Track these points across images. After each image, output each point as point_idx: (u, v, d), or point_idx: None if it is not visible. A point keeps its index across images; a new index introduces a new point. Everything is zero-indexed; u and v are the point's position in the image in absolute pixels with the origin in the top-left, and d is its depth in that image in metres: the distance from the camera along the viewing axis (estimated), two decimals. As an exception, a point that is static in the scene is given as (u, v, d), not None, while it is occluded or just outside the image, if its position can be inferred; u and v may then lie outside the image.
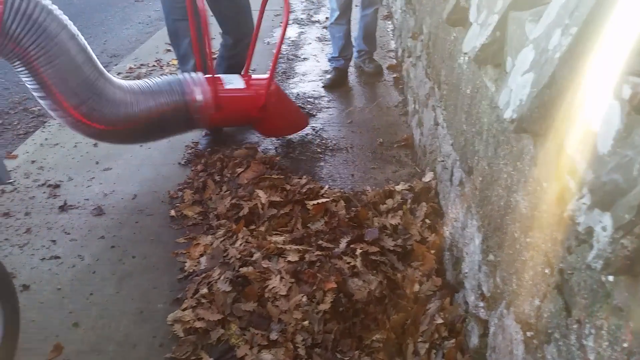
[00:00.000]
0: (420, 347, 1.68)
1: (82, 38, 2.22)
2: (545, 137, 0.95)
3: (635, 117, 0.66)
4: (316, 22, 5.56)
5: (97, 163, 2.96)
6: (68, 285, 2.11)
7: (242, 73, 2.95)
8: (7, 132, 3.61)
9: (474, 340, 1.54)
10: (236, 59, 3.13)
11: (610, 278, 0.70)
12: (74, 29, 2.18)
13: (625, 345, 0.65)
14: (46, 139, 3.27)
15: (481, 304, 1.47)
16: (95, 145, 3.15)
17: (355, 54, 4.06)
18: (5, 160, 3.04)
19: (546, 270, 0.95)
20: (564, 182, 0.86)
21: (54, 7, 2.10)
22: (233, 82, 2.77)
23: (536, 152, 1.04)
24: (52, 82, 2.12)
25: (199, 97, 2.58)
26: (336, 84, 3.86)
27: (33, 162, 3.00)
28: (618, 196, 0.65)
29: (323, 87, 3.83)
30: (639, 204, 0.60)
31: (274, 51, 2.77)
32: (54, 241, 2.36)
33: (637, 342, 0.64)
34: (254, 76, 2.91)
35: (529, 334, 1.07)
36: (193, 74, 2.67)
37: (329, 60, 4.01)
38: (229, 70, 3.08)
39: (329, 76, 3.92)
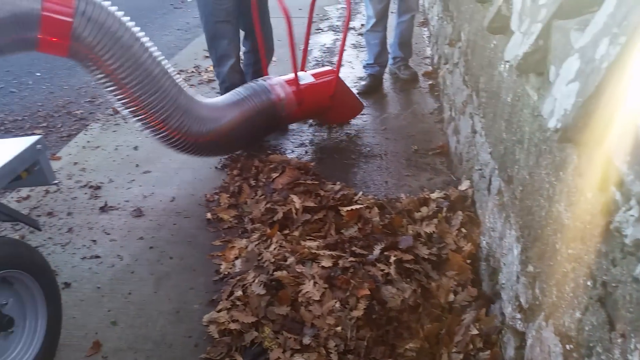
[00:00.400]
0: (454, 358, 1.66)
1: (156, 51, 2.27)
2: (590, 147, 0.94)
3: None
4: (351, 29, 5.58)
5: (137, 166, 3.04)
6: (107, 284, 2.17)
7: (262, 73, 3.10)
8: (52, 134, 3.74)
9: (510, 352, 1.51)
10: (258, 65, 3.25)
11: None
12: (146, 41, 2.23)
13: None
14: (88, 141, 3.38)
15: (518, 316, 1.45)
16: (135, 148, 3.24)
17: (390, 61, 4.07)
18: (49, 162, 3.15)
19: (588, 283, 0.93)
20: (610, 193, 0.84)
21: (127, 19, 2.16)
22: (304, 78, 2.97)
23: (580, 162, 1.03)
24: (135, 93, 2.19)
25: (282, 94, 2.79)
26: (371, 90, 3.87)
27: (75, 163, 3.11)
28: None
29: (358, 93, 3.81)
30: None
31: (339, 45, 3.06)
32: (94, 241, 2.43)
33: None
34: (312, 71, 3.12)
35: (568, 347, 1.04)
36: (267, 78, 2.87)
37: (364, 67, 4.04)
38: (256, 76, 3.17)
39: (363, 83, 3.94)
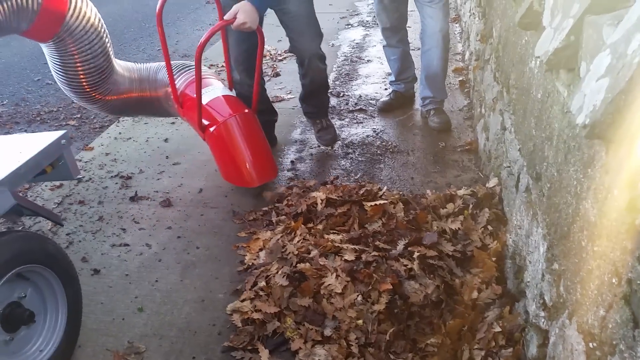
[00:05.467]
0: (476, 354, 1.65)
1: (109, 40, 2.54)
2: (619, 144, 0.92)
3: None
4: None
5: (167, 157, 3.10)
6: (135, 271, 2.23)
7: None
8: (85, 125, 3.85)
9: (533, 350, 1.49)
10: (306, 79, 2.92)
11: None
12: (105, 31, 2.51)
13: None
14: (120, 133, 3.46)
15: (542, 314, 1.43)
16: (165, 140, 3.31)
17: (419, 101, 3.38)
18: (82, 152, 3.25)
19: (613, 280, 0.91)
20: (637, 190, 0.83)
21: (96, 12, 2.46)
22: (209, 92, 2.71)
23: (608, 159, 1.00)
24: (80, 69, 2.47)
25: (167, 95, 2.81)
26: (392, 108, 3.48)
27: (107, 154, 3.19)
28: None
29: (378, 108, 3.52)
30: None
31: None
32: (124, 229, 2.49)
33: None
34: (229, 100, 2.71)
35: (591, 345, 1.03)
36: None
37: (390, 82, 3.61)
38: (304, 89, 3.00)
39: (384, 99, 3.56)
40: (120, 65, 2.71)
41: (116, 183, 2.88)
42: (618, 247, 0.90)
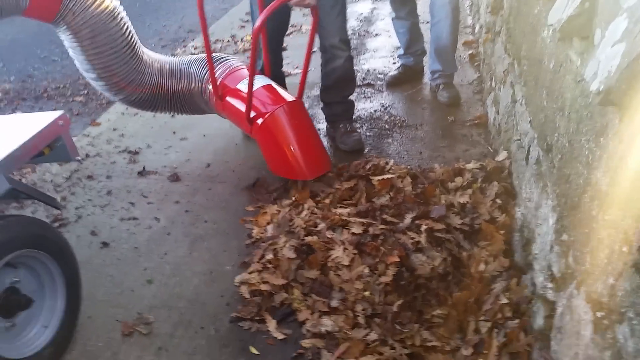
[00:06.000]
0: (482, 326, 1.66)
1: (128, 24, 2.40)
2: (634, 110, 0.90)
3: None
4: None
5: (174, 133, 3.10)
6: (144, 244, 2.24)
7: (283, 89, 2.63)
8: (92, 102, 3.85)
9: (539, 322, 1.49)
10: (327, 67, 2.74)
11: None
12: (124, 17, 2.37)
13: None
14: (127, 108, 3.42)
15: (549, 285, 1.42)
16: (172, 115, 3.29)
17: (428, 74, 3.34)
18: (89, 127, 3.25)
19: (624, 248, 0.90)
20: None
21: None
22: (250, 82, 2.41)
23: (622, 127, 0.98)
24: (97, 52, 2.34)
25: (209, 89, 2.64)
26: (400, 82, 3.42)
27: (115, 129, 3.19)
28: None
29: (386, 83, 3.46)
30: None
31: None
32: (132, 203, 2.51)
33: None
34: (279, 90, 2.55)
35: (599, 314, 1.02)
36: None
37: (398, 55, 3.55)
38: (325, 81, 2.80)
39: (393, 73, 3.50)
40: (149, 56, 2.57)
41: (124, 158, 2.88)
42: (630, 215, 0.89)
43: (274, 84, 2.58)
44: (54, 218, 2.41)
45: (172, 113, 2.88)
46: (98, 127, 3.21)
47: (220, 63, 2.67)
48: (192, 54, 4.33)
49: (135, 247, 2.23)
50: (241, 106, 2.48)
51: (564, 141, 1.36)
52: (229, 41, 4.50)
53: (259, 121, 2.41)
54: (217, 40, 4.53)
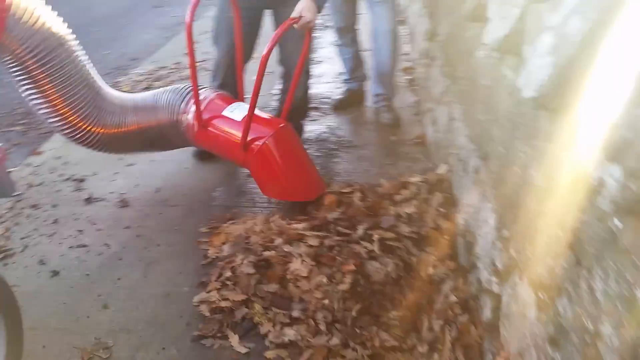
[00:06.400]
0: (434, 324, 1.76)
1: (82, 55, 2.28)
2: (562, 112, 1.04)
3: None
4: (330, 26, 5.68)
5: (120, 159, 3.06)
6: (96, 271, 2.20)
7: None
8: (31, 131, 3.73)
9: (487, 314, 1.61)
10: (286, 95, 2.71)
11: (618, 223, 0.78)
12: (74, 44, 2.24)
13: (629, 278, 0.74)
14: (70, 136, 3.38)
15: (494, 279, 1.55)
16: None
17: (371, 98, 3.51)
18: (31, 157, 3.16)
19: (559, 233, 1.03)
20: (578, 147, 0.95)
21: (57, 20, 2.17)
22: (236, 109, 2.46)
23: (552, 128, 1.13)
24: (53, 95, 2.19)
25: (190, 121, 2.51)
26: (346, 106, 3.57)
27: (58, 158, 3.12)
28: (626, 149, 0.74)
29: (332, 109, 3.56)
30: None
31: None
32: (80, 231, 2.46)
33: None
34: (266, 116, 2.53)
35: (541, 295, 1.15)
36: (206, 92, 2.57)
37: (343, 81, 3.71)
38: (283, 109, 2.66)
39: (339, 97, 3.64)
40: (111, 93, 2.45)
41: (69, 186, 2.82)
42: (563, 203, 1.02)
43: (258, 111, 2.46)
44: (-2, 249, 2.33)
45: (136, 153, 2.74)
46: (40, 156, 3.13)
47: (189, 93, 2.55)
48: (136, 81, 4.33)
49: (87, 274, 2.19)
50: (229, 133, 2.42)
51: (500, 148, 1.51)
52: (173, 68, 4.52)
53: (256, 145, 2.34)
54: (160, 67, 4.54)
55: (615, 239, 0.79)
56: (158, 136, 2.58)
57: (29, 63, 2.11)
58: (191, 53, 2.36)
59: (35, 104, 2.26)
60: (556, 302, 1.04)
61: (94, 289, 2.10)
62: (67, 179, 2.88)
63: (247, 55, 2.77)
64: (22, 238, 2.41)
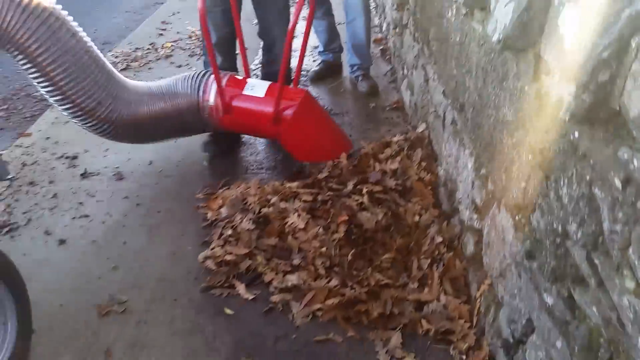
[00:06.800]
0: (423, 263, 1.95)
1: (86, 37, 2.26)
2: (525, 51, 1.21)
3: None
4: (300, 3, 5.77)
5: (110, 136, 3.15)
6: (102, 237, 2.33)
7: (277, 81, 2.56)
8: (14, 115, 3.76)
9: (470, 249, 1.81)
10: (272, 67, 2.94)
11: (576, 133, 0.96)
12: (75, 26, 2.21)
13: (587, 178, 0.92)
14: (56, 117, 3.43)
15: (475, 216, 1.74)
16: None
17: (348, 69, 3.66)
18: (20, 138, 3.22)
19: (530, 157, 1.22)
20: (541, 79, 1.12)
21: (52, 2, 2.14)
22: (254, 88, 2.58)
23: (519, 68, 1.30)
24: (61, 81, 2.17)
25: (211, 102, 2.55)
26: (323, 77, 3.70)
27: (48, 138, 3.18)
28: (578, 68, 0.91)
29: (310, 79, 3.67)
30: (592, 69, 0.85)
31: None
32: (81, 203, 2.56)
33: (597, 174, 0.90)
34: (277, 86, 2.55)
35: (517, 217, 1.33)
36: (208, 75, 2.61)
37: (318, 53, 3.84)
38: (266, 78, 2.91)
39: (315, 69, 3.77)
40: (125, 82, 2.46)
41: (63, 163, 2.91)
42: (531, 129, 1.20)
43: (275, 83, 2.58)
44: (2, 223, 2.42)
45: (154, 141, 2.75)
46: (30, 138, 3.19)
47: (206, 77, 2.60)
48: (113, 63, 4.36)
49: (93, 240, 2.30)
50: (257, 109, 2.51)
51: (474, 96, 1.69)
52: (148, 49, 4.56)
53: (287, 114, 2.47)
54: (137, 48, 4.58)
55: (575, 148, 0.96)
56: (177, 124, 2.61)
57: (31, 50, 2.08)
58: (207, 38, 2.46)
59: (49, 93, 2.25)
60: (530, 218, 1.22)
61: (101, 253, 2.23)
62: (60, 157, 2.96)
63: (234, 36, 2.83)
64: (24, 212, 2.50)
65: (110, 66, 2.40)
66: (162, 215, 2.46)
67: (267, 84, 2.61)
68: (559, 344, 1.10)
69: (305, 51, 2.62)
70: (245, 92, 2.56)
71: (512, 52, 1.27)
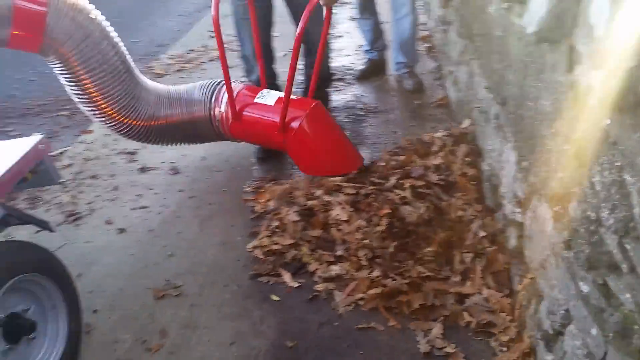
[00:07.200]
0: (465, 257, 1.98)
1: (122, 47, 2.36)
2: (560, 43, 1.24)
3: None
4: (347, 2, 5.83)
5: (165, 133, 3.32)
6: (158, 227, 2.48)
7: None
8: (77, 114, 4.00)
9: (513, 242, 1.82)
10: (312, 70, 2.77)
11: (607, 120, 0.98)
12: (115, 37, 2.31)
13: (618, 164, 0.95)
14: (117, 116, 3.65)
15: (517, 210, 1.75)
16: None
17: (394, 66, 3.69)
18: (82, 135, 3.45)
19: (567, 147, 1.24)
20: (574, 69, 1.15)
21: (98, 13, 2.24)
22: (266, 96, 2.56)
23: (554, 59, 1.32)
24: (94, 89, 2.28)
25: (221, 113, 2.59)
26: (368, 75, 3.75)
27: (108, 135, 3.37)
28: (607, 55, 0.94)
29: (356, 79, 3.75)
30: (620, 56, 0.88)
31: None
32: (139, 195, 2.73)
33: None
34: (295, 98, 2.53)
35: (556, 207, 1.35)
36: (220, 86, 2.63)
37: (364, 51, 3.89)
38: (309, 81, 2.95)
39: (362, 67, 3.83)
40: (148, 84, 2.53)
41: (122, 158, 3.10)
42: (567, 119, 1.22)
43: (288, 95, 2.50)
44: (68, 213, 2.61)
45: (169, 145, 2.80)
46: (91, 134, 3.41)
47: (222, 87, 2.61)
48: (167, 65, 4.58)
49: (151, 229, 2.46)
50: (265, 118, 2.50)
51: (515, 90, 1.70)
52: (202, 50, 4.75)
53: (294, 125, 2.42)
54: (190, 50, 4.78)
55: (606, 135, 0.99)
56: (192, 130, 2.67)
57: (72, 60, 2.18)
58: (220, 46, 2.41)
59: (76, 95, 2.37)
60: (568, 208, 1.24)
61: (158, 241, 2.38)
62: (120, 153, 3.16)
63: (268, 38, 2.89)
64: (88, 203, 2.70)
65: (138, 71, 2.47)
66: (214, 207, 2.59)
67: (279, 94, 2.56)
68: (594, 331, 1.12)
69: (320, 63, 2.58)
70: (257, 100, 2.54)
71: (548, 43, 1.30)
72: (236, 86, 2.63)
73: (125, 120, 2.47)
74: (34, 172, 1.83)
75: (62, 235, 2.44)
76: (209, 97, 2.60)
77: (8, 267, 1.56)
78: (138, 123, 2.50)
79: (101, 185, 2.86)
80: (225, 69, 2.45)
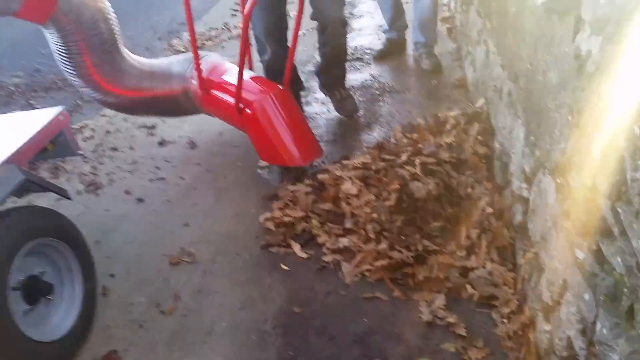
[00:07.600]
0: (472, 232, 2.00)
1: (113, 19, 2.46)
2: (567, 13, 1.25)
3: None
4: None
5: (184, 109, 3.39)
6: (175, 198, 2.56)
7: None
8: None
9: (518, 218, 1.84)
10: (327, 47, 2.89)
11: (603, 87, 1.00)
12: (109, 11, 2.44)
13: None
14: (138, 92, 3.73)
15: (524, 185, 1.77)
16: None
17: (412, 46, 3.71)
18: (103, 109, 3.53)
19: (569, 117, 1.25)
20: (576, 41, 1.16)
21: None
22: (233, 75, 2.50)
23: (562, 31, 1.33)
24: (88, 60, 2.39)
25: (193, 88, 2.62)
26: (387, 55, 3.74)
27: (129, 110, 3.47)
28: (605, 22, 0.95)
29: (374, 58, 3.75)
30: (618, 20, 0.90)
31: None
32: (158, 167, 2.81)
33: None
34: (259, 80, 2.58)
35: (558, 179, 1.37)
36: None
37: (383, 31, 3.89)
38: (324, 60, 2.98)
39: (380, 47, 3.81)
40: (130, 56, 2.60)
41: (142, 132, 3.18)
42: (570, 90, 1.24)
43: (260, 76, 2.63)
44: (89, 183, 2.71)
45: (153, 116, 2.93)
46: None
47: (202, 59, 2.64)
48: (189, 41, 4.63)
49: (168, 200, 2.54)
50: (228, 98, 2.49)
51: (526, 65, 1.71)
52: (222, 29, 4.80)
53: (248, 110, 2.43)
54: (211, 28, 4.84)
55: (602, 100, 1.01)
56: (171, 102, 2.72)
57: (71, 33, 2.30)
58: (189, 20, 2.48)
59: (65, 64, 2.46)
60: (568, 178, 1.26)
61: (174, 211, 2.46)
62: (140, 127, 3.24)
63: (284, 21, 2.85)
64: (107, 174, 2.79)
65: (121, 41, 2.53)
66: (229, 180, 2.65)
67: (251, 74, 2.56)
68: (586, 296, 1.15)
69: (295, 47, 2.55)
70: (225, 77, 2.55)
71: (557, 15, 1.31)
72: (214, 59, 2.67)
73: (112, 90, 2.56)
74: (55, 143, 1.90)
75: (83, 203, 2.53)
76: (185, 69, 2.65)
77: (28, 230, 1.65)
78: (123, 92, 2.59)
79: (121, 157, 2.94)
80: (194, 42, 2.51)
